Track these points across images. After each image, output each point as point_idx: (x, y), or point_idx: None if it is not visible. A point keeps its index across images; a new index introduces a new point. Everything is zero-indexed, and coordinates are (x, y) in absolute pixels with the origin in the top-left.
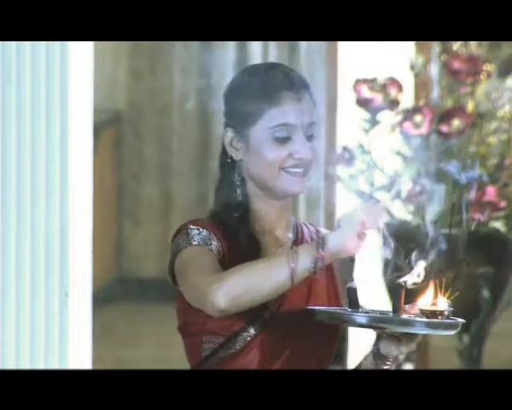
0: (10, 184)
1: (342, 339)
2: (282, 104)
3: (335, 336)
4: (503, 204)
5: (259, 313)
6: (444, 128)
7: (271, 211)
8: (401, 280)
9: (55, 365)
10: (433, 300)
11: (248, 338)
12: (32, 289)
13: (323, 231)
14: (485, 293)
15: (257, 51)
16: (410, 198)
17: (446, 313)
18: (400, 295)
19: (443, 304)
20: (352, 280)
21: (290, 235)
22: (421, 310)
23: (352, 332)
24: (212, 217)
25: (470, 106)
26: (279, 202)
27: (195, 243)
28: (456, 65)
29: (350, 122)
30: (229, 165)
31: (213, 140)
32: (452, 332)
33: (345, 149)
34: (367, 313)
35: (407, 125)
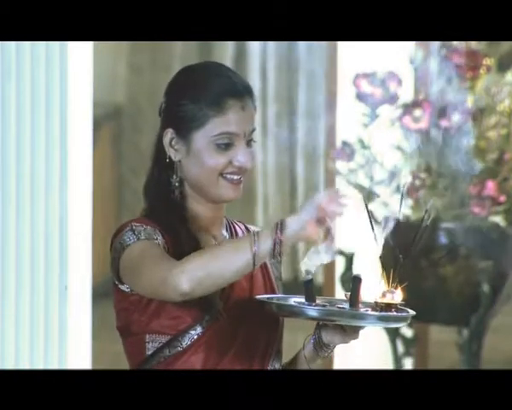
0: (10, 179)
1: (281, 333)
2: (227, 113)
3: (277, 329)
4: (502, 198)
5: (206, 311)
6: (443, 123)
7: (207, 212)
8: (358, 273)
9: (54, 358)
10: (387, 292)
11: (195, 336)
12: (31, 284)
13: (252, 228)
14: (485, 287)
15: (256, 46)
16: (409, 192)
17: (398, 304)
18: (357, 288)
19: (396, 296)
20: (308, 273)
21: (225, 233)
22: (376, 303)
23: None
24: (148, 215)
25: (470, 100)
26: (215, 204)
27: (143, 237)
28: (456, 59)
29: (349, 117)
30: (166, 164)
31: None
32: (402, 324)
33: (344, 143)
34: (323, 306)
35: (407, 119)
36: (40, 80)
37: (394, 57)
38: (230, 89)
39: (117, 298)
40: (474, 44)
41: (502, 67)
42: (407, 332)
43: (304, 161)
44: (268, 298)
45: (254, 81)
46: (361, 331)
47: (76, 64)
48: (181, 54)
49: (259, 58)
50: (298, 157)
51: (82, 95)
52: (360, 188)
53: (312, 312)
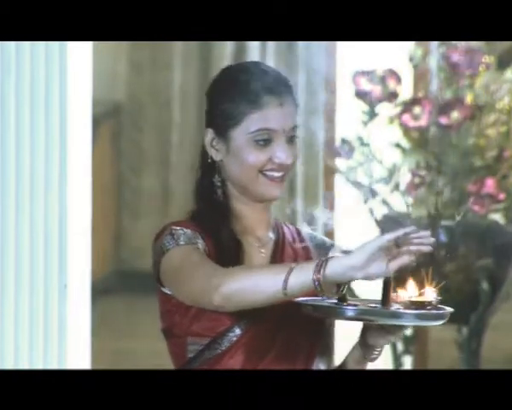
0: (9, 177)
1: (328, 334)
2: (264, 109)
3: (322, 330)
4: (502, 196)
5: (245, 313)
6: (443, 120)
7: (251, 212)
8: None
9: (53, 356)
10: (421, 290)
11: (234, 338)
12: (30, 281)
13: (305, 230)
14: (485, 285)
15: (255, 43)
16: (408, 190)
17: (434, 302)
18: (388, 287)
19: (431, 294)
20: None
21: (271, 235)
22: (410, 301)
23: (339, 326)
24: (192, 217)
25: (469, 98)
26: (259, 203)
27: (182, 243)
28: (456, 57)
29: (349, 114)
30: (209, 165)
31: None
32: (441, 322)
33: (344, 141)
34: (355, 305)
35: (406, 117)
36: (40, 78)
37: (393, 55)
38: (266, 85)
39: (160, 299)
40: (473, 42)
41: (501, 65)
42: (406, 330)
43: (303, 159)
44: (304, 300)
45: None
46: (358, 330)
47: (75, 62)
48: (181, 52)
49: (259, 57)
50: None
51: (82, 92)
52: (359, 186)
53: (349, 312)
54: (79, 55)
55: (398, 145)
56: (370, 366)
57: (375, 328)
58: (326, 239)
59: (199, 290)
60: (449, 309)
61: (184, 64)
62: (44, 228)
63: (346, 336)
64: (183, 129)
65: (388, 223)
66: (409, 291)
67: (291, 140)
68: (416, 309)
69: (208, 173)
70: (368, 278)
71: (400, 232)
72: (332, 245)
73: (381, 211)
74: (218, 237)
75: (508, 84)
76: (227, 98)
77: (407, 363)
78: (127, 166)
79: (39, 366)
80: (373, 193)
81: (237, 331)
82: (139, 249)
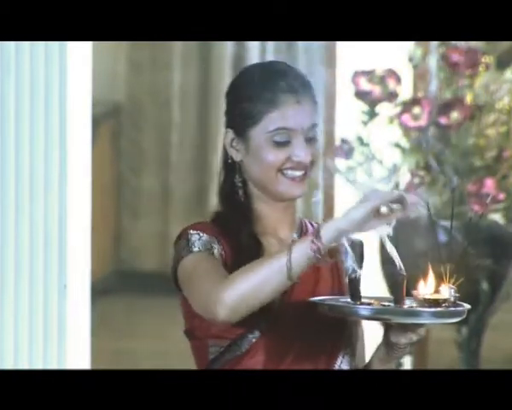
0: (9, 178)
1: (351, 334)
2: (281, 108)
3: (344, 330)
4: (501, 196)
5: (264, 314)
6: (442, 120)
7: (273, 212)
8: (402, 271)
9: (53, 356)
10: (436, 288)
11: (254, 340)
12: (30, 281)
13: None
14: (485, 285)
15: (255, 43)
16: (408, 190)
17: (452, 299)
18: (402, 285)
19: (446, 292)
20: (353, 270)
21: (295, 235)
22: (424, 299)
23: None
24: (214, 219)
25: (469, 98)
26: (281, 203)
27: (196, 249)
28: (455, 57)
29: (348, 114)
30: (229, 165)
31: (212, 133)
32: (458, 319)
33: (343, 141)
34: (369, 304)
35: (406, 117)
36: (39, 78)
37: (393, 55)
38: (283, 84)
39: (181, 301)
40: (472, 42)
41: (501, 65)
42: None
43: None
44: (320, 300)
45: None
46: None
47: (75, 62)
48: (181, 51)
49: (259, 57)
50: None
51: (81, 92)
52: (359, 185)
53: (364, 311)
54: (79, 55)
55: (397, 145)
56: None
57: (396, 326)
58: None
59: (203, 304)
60: (466, 306)
61: (184, 64)
62: (44, 228)
63: (373, 335)
64: (183, 129)
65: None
66: (423, 289)
67: (310, 139)
68: (431, 307)
69: (229, 174)
70: (363, 230)
71: (389, 198)
72: (360, 243)
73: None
74: (239, 239)
75: (507, 85)
76: (245, 98)
77: (407, 363)
78: (127, 166)
79: (39, 365)
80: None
81: (256, 333)
82: (139, 249)
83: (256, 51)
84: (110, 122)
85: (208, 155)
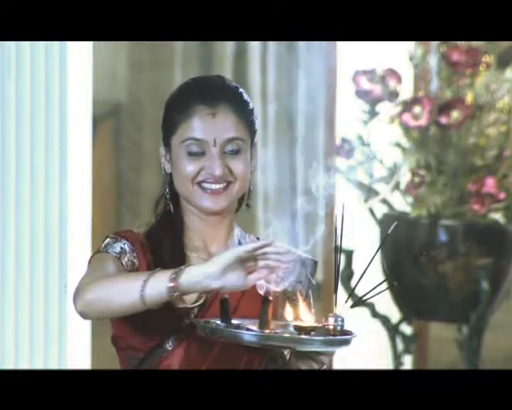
0: (9, 177)
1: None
2: (193, 118)
3: (261, 350)
4: (502, 196)
5: (175, 328)
6: (443, 120)
7: (204, 226)
8: (269, 295)
9: (54, 355)
10: (304, 315)
11: (164, 354)
12: (31, 280)
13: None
14: (485, 284)
15: (256, 43)
16: (408, 190)
17: (339, 328)
18: (268, 309)
19: (332, 320)
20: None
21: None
22: (294, 326)
23: None
24: (147, 230)
25: (469, 97)
26: (214, 216)
27: (104, 249)
28: (456, 56)
29: (349, 114)
30: (164, 177)
31: None
32: (346, 346)
33: (344, 140)
34: (237, 326)
35: (406, 116)
36: (40, 77)
37: (393, 54)
38: (200, 96)
39: None
40: (473, 42)
41: (501, 64)
42: (406, 329)
43: (303, 158)
44: (205, 321)
45: (254, 78)
46: (359, 329)
47: (76, 61)
48: (182, 51)
49: (259, 55)
50: (297, 154)
51: (82, 92)
52: (359, 185)
53: (249, 337)
54: (79, 55)
55: (398, 145)
56: (370, 365)
57: (296, 352)
58: (306, 256)
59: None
60: (354, 334)
61: (185, 63)
62: (44, 228)
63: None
64: None
65: (388, 222)
66: (290, 315)
67: (230, 152)
68: (301, 334)
69: (163, 186)
70: (224, 288)
71: (258, 245)
72: (314, 262)
73: (381, 210)
74: (161, 252)
75: (508, 84)
76: (167, 109)
77: (407, 362)
78: (127, 165)
79: (40, 364)
80: (373, 192)
81: (167, 347)
82: None
83: (257, 51)
84: (110, 121)
85: None
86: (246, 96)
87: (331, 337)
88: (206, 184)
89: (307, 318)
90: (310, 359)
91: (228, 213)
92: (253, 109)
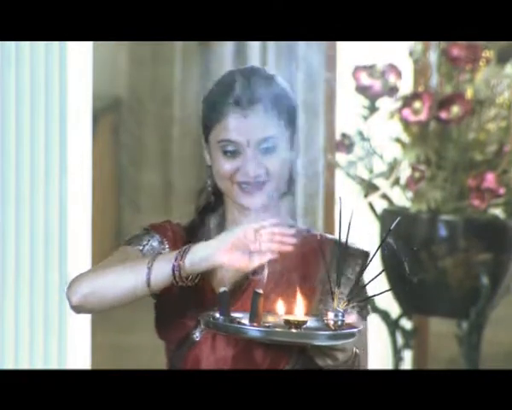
0: (9, 172)
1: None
2: (227, 120)
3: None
4: (502, 191)
5: (199, 322)
6: (443, 115)
7: (244, 220)
8: (259, 288)
9: (54, 351)
10: (300, 309)
11: (192, 345)
12: (31, 277)
13: (326, 235)
14: (485, 280)
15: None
16: (409, 185)
17: (340, 323)
18: (258, 303)
19: (332, 315)
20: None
21: None
22: (284, 320)
23: None
24: (188, 222)
25: (469, 93)
26: (254, 211)
27: (126, 242)
28: (456, 52)
29: (349, 109)
30: (206, 170)
31: None
32: (350, 340)
33: (344, 135)
34: (264, 325)
35: (406, 111)
36: (40, 73)
37: (393, 49)
38: (231, 96)
39: None
40: None
41: (501, 60)
42: (407, 324)
43: (303, 153)
44: (208, 315)
45: None
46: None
47: (76, 56)
48: (182, 46)
49: (259, 51)
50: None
51: (82, 87)
52: (360, 180)
53: (254, 332)
54: (80, 49)
55: (398, 140)
56: (370, 360)
57: (313, 348)
58: (359, 247)
59: None
60: (359, 327)
61: (185, 58)
62: (45, 223)
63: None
64: (184, 123)
65: (388, 217)
66: (281, 309)
67: (265, 149)
68: (294, 328)
69: (207, 178)
70: (228, 264)
71: (264, 224)
72: (364, 253)
73: (381, 205)
74: (194, 239)
75: (508, 79)
76: (203, 105)
77: (407, 357)
78: (127, 160)
79: (40, 360)
80: (373, 187)
81: (195, 337)
82: None
83: (257, 48)
84: (111, 116)
85: None
86: (282, 89)
87: (338, 331)
88: (243, 184)
89: (299, 312)
90: (324, 354)
91: (268, 207)
92: (291, 99)
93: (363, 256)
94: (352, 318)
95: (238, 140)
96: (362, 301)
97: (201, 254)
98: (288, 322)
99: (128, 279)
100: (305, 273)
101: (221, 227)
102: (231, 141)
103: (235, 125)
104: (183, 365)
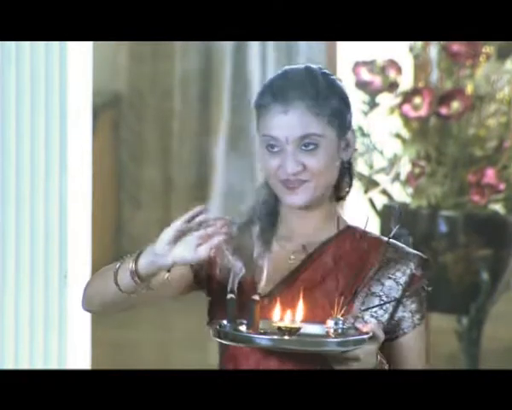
0: (10, 168)
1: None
2: (269, 116)
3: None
4: (502, 186)
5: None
6: (443, 110)
7: (292, 216)
8: (256, 295)
9: (54, 346)
10: (291, 316)
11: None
12: (31, 271)
13: (373, 233)
14: (485, 275)
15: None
16: (409, 180)
17: (340, 331)
18: (255, 309)
19: (332, 323)
20: (232, 291)
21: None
22: (278, 327)
23: None
24: (245, 218)
25: (469, 88)
26: (302, 209)
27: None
28: (456, 47)
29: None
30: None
31: (214, 123)
32: (360, 346)
33: None
34: (271, 334)
35: (406, 107)
36: (40, 68)
37: (394, 45)
38: (274, 92)
39: None
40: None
41: (501, 55)
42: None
43: None
44: (213, 322)
45: (254, 70)
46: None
47: (76, 52)
48: (182, 42)
49: (259, 47)
50: None
51: (82, 83)
52: (360, 176)
53: (264, 341)
54: (80, 46)
55: (398, 135)
56: None
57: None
58: (410, 250)
59: None
60: (369, 334)
61: (185, 54)
62: (45, 218)
63: None
64: (184, 119)
65: (389, 213)
66: (277, 316)
67: (306, 149)
68: (285, 335)
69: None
70: (176, 262)
71: (189, 214)
72: (419, 257)
73: (381, 201)
74: (243, 236)
75: (508, 75)
76: (256, 98)
77: None
78: (128, 155)
79: (40, 355)
80: (373, 183)
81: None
82: (140, 239)
83: (256, 43)
84: (111, 112)
85: (209, 144)
86: (329, 87)
87: (349, 338)
88: (285, 182)
89: (293, 318)
90: (339, 363)
91: (317, 206)
92: (339, 98)
93: (417, 260)
94: (368, 327)
95: (278, 136)
96: (368, 310)
97: (149, 259)
98: (280, 329)
99: (106, 283)
100: (356, 272)
101: (272, 223)
102: (272, 137)
103: (276, 122)
104: (226, 360)
